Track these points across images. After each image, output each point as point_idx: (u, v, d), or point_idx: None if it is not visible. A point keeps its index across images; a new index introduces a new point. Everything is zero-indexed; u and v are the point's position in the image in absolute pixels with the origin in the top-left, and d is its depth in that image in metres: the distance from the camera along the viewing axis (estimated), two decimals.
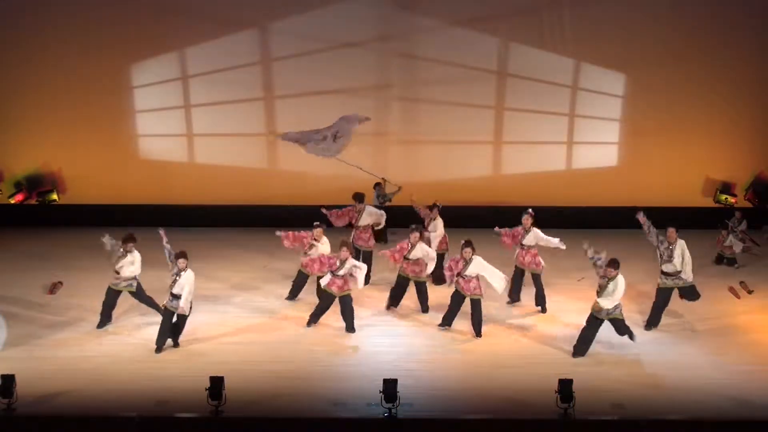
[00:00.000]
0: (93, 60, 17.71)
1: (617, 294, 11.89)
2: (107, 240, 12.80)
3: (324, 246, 13.79)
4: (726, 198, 18.16)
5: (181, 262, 12.05)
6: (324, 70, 17.76)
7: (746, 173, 18.34)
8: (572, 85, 18.05)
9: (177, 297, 12.06)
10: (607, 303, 11.91)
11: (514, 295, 14.09)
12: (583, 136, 18.35)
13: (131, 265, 12.76)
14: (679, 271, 12.90)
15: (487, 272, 12.83)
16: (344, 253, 12.86)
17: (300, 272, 13.99)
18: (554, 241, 13.70)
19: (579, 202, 18.25)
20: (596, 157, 18.44)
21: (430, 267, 13.55)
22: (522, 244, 13.81)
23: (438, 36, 17.71)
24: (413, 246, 13.46)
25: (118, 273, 12.80)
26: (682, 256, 12.89)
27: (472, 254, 12.74)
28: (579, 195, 18.24)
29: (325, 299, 13.08)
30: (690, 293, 13.19)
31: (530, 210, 13.87)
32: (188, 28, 17.75)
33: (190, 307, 12.23)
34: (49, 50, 17.69)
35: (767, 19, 17.69)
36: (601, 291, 11.95)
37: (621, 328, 12.18)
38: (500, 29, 17.74)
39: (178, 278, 12.05)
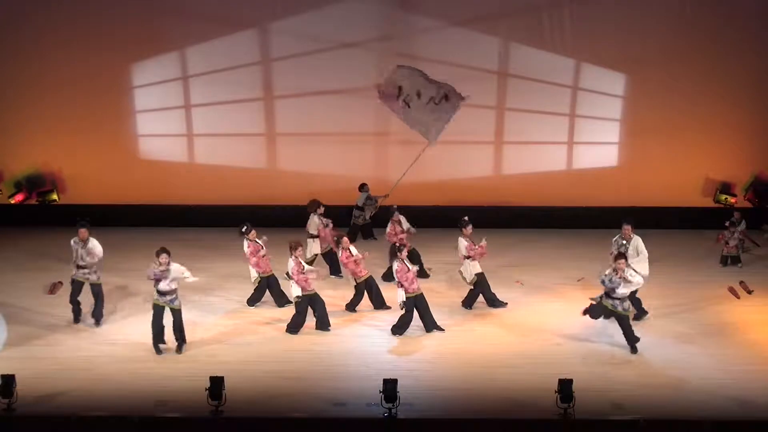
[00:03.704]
0: (93, 60, 17.71)
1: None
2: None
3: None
4: (726, 198, 18.13)
5: (164, 257, 11.97)
6: (324, 70, 17.75)
7: (746, 173, 18.32)
8: (572, 85, 18.03)
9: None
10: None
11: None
12: (584, 136, 18.33)
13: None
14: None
15: None
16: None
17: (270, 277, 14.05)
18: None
19: (579, 202, 18.24)
20: (596, 157, 18.41)
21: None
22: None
23: (438, 36, 17.70)
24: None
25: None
26: (636, 252, 12.95)
27: None
28: (579, 195, 18.23)
29: (319, 302, 13.13)
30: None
31: (466, 218, 13.96)
32: (188, 28, 17.74)
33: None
34: (49, 51, 17.69)
35: (767, 20, 17.68)
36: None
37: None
38: (500, 29, 17.74)
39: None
